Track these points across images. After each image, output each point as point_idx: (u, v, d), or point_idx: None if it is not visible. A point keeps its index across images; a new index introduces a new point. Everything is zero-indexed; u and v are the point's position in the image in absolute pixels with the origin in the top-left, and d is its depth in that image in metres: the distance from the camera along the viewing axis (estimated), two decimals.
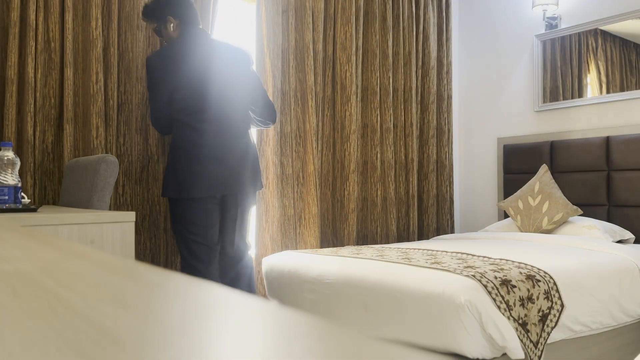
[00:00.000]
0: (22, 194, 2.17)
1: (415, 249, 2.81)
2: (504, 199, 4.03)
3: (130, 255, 1.73)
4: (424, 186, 4.05)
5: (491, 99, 4.27)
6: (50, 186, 2.60)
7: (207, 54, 2.44)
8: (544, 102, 3.92)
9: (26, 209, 1.75)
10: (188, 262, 2.46)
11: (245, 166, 2.49)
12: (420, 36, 4.03)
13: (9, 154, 1.83)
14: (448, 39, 4.22)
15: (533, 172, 3.85)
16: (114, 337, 0.24)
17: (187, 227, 2.43)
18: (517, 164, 3.99)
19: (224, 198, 2.51)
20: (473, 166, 4.39)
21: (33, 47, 2.52)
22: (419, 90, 4.06)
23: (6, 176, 1.79)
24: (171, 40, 2.50)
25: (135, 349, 0.23)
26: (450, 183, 4.16)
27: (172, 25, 2.47)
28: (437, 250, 2.69)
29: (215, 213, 2.48)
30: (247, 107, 2.57)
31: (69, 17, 2.62)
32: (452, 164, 4.20)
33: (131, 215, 1.71)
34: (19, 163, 1.86)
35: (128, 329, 0.26)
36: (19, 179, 1.84)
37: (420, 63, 4.05)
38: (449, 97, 4.20)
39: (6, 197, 1.79)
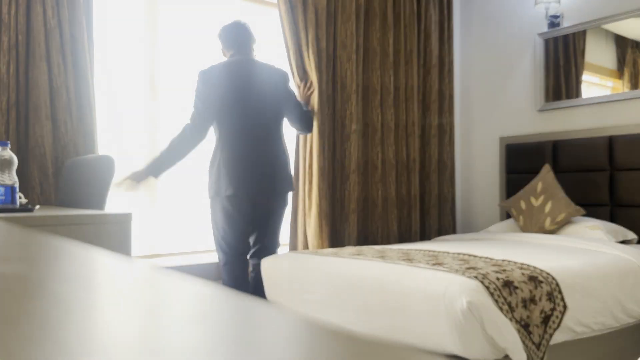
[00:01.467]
0: (20, 193, 2.15)
1: (416, 249, 2.79)
2: (506, 198, 4.02)
3: (129, 255, 1.71)
4: (426, 186, 4.03)
5: (493, 97, 4.25)
6: (49, 186, 2.58)
7: (247, 72, 2.82)
8: (547, 101, 3.90)
9: (23, 209, 1.73)
10: (222, 257, 2.79)
11: (277, 170, 2.80)
12: (422, 34, 4.01)
13: (6, 154, 1.81)
14: (450, 37, 4.19)
15: (535, 172, 3.83)
16: (116, 339, 0.24)
17: (221, 225, 2.75)
18: (520, 163, 3.97)
19: (257, 199, 2.78)
20: (475, 166, 4.37)
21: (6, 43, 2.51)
22: (421, 88, 4.03)
23: (3, 176, 1.78)
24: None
25: (140, 350, 0.22)
26: (452, 183, 4.14)
27: (223, 51, 2.96)
28: (439, 251, 2.67)
29: (247, 212, 2.76)
30: (280, 118, 2.91)
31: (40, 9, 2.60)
32: (453, 164, 4.17)
33: (130, 215, 1.70)
34: (16, 162, 1.84)
35: (131, 330, 0.26)
36: (16, 179, 1.83)
37: (421, 61, 4.02)
38: (451, 96, 4.18)
39: (3, 197, 1.77)
